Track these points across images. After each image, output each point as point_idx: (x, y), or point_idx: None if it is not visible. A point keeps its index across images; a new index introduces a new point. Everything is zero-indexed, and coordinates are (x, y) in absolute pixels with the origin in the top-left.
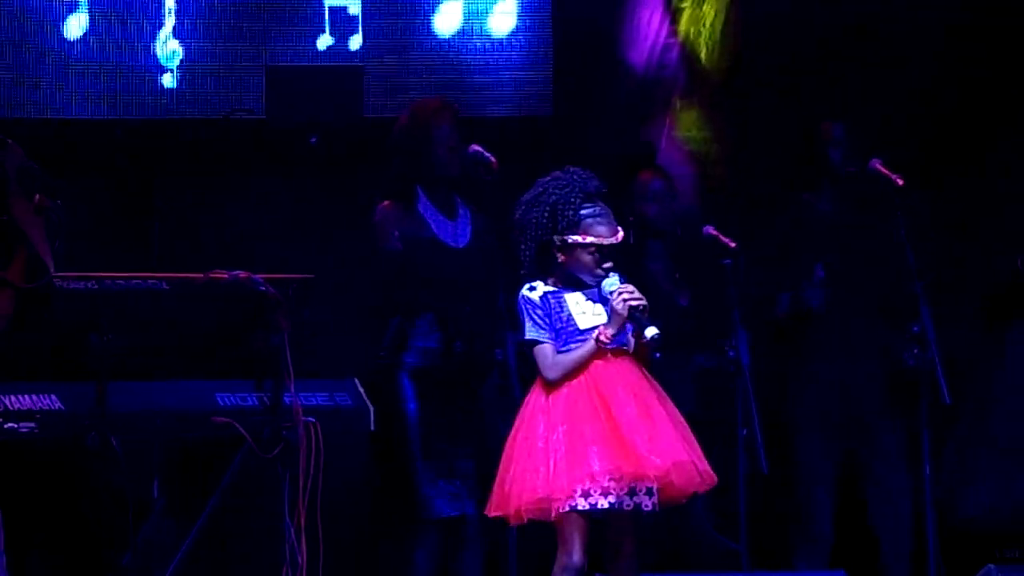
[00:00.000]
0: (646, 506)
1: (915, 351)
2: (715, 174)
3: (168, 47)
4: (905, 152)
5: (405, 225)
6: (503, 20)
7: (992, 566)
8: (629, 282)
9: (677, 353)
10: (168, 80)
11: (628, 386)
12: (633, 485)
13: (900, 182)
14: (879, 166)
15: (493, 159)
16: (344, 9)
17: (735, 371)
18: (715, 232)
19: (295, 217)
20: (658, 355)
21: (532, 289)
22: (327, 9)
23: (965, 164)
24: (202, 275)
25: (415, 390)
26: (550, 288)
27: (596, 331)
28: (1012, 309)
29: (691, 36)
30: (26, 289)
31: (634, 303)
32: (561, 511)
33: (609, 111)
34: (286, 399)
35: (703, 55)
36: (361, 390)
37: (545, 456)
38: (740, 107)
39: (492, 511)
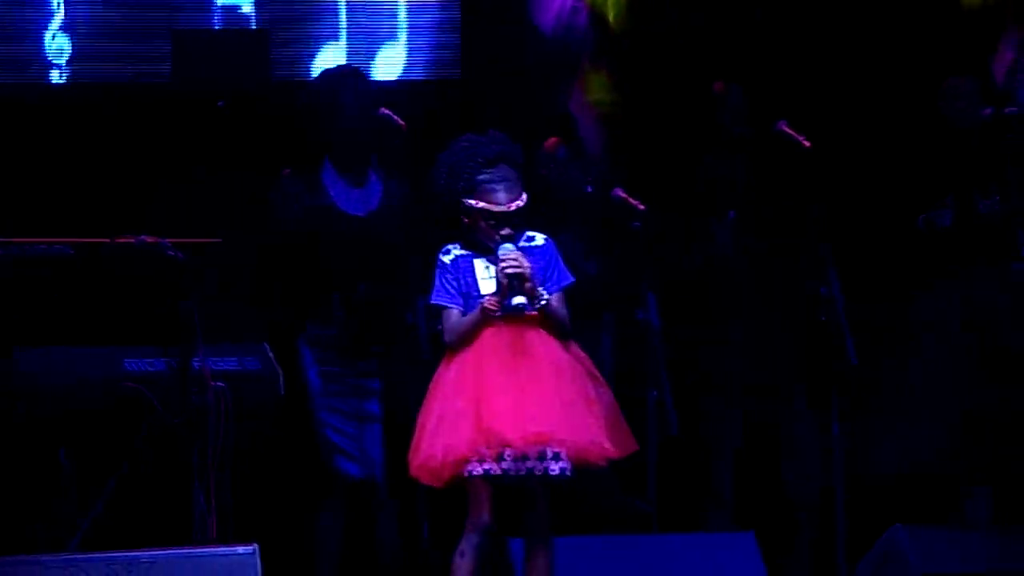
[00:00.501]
0: (552, 471)
1: (822, 313)
2: (624, 137)
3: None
4: (811, 115)
5: (304, 194)
6: None
7: (900, 525)
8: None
9: (588, 320)
10: (65, 45)
11: (508, 354)
12: (540, 450)
13: (806, 144)
14: (785, 127)
15: (402, 122)
16: None
17: (645, 334)
18: (624, 195)
19: (204, 182)
20: (531, 308)
21: (446, 253)
22: None
23: (869, 126)
24: (109, 239)
25: (314, 357)
26: (462, 252)
27: (484, 299)
28: (915, 269)
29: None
30: None
31: (511, 271)
32: (457, 476)
33: (518, 75)
34: (195, 364)
35: (611, 18)
36: (271, 355)
37: (435, 421)
38: (648, 70)
39: (410, 472)
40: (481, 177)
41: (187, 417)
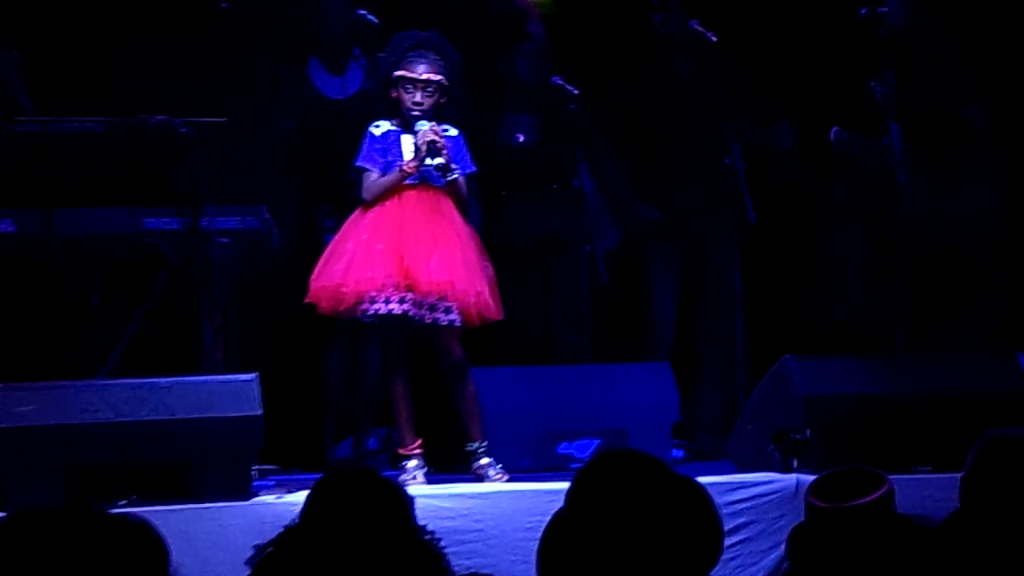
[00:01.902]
0: (442, 321)
1: (730, 179)
2: (563, 33)
3: None
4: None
5: (292, 83)
6: None
7: (788, 356)
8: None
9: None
10: None
11: (427, 213)
12: (421, 299)
13: (714, 39)
14: (696, 26)
15: (376, 20)
16: None
17: (579, 199)
18: (561, 82)
19: (212, 68)
20: (442, 181)
21: (376, 126)
22: None
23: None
24: (132, 118)
25: (333, 224)
26: (392, 128)
27: (402, 162)
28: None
29: None
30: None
31: (429, 137)
32: (351, 310)
33: None
34: (203, 223)
35: None
36: (267, 215)
37: (344, 257)
38: None
39: (307, 297)
40: (408, 53)
41: (197, 266)
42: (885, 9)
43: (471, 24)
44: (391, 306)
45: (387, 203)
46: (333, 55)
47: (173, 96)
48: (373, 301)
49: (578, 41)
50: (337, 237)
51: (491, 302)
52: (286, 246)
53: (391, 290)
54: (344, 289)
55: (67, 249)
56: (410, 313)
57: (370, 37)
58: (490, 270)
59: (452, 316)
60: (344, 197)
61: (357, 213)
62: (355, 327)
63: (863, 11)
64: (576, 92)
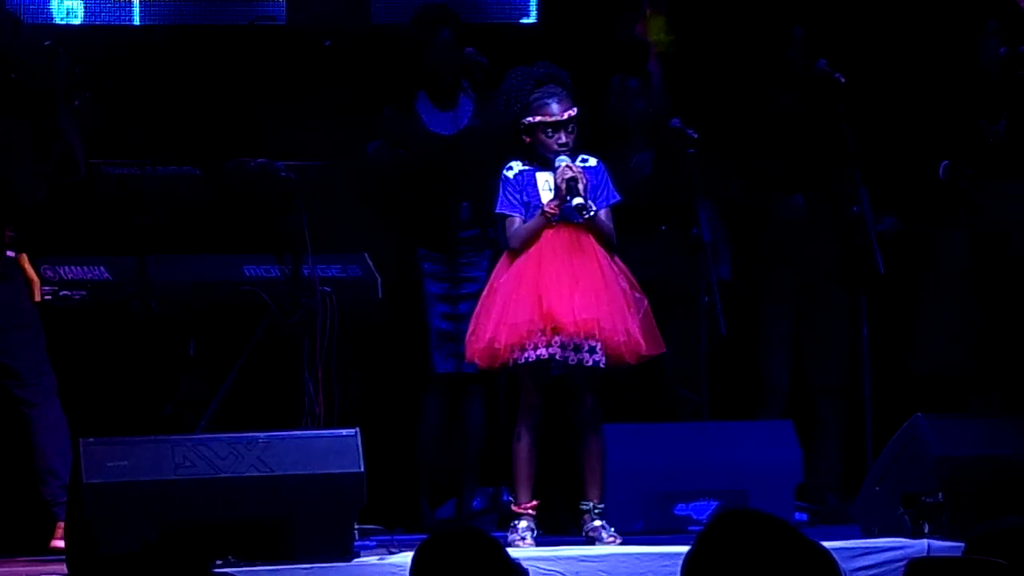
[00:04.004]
0: (587, 362)
1: (856, 228)
2: (681, 74)
3: None
4: (851, 53)
5: (402, 124)
6: None
7: (920, 415)
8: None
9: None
10: None
11: (565, 251)
12: (568, 340)
13: (842, 80)
14: (824, 66)
15: (485, 60)
16: None
17: (698, 247)
18: (680, 124)
19: (313, 111)
20: (580, 218)
21: (509, 168)
22: None
23: (907, 69)
24: (231, 162)
25: (427, 267)
26: (525, 167)
27: (544, 204)
28: (939, 202)
29: None
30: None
31: (568, 175)
32: (506, 362)
33: (588, 19)
34: (304, 271)
35: None
36: (370, 263)
37: (494, 311)
38: (703, 13)
39: (467, 356)
40: (533, 96)
41: (298, 317)
42: None
43: (589, 58)
44: (539, 351)
45: (530, 249)
46: (442, 91)
47: (274, 140)
48: (524, 349)
49: (696, 81)
50: (486, 291)
51: (642, 340)
52: (386, 292)
53: (537, 335)
54: (497, 345)
55: (162, 297)
56: (557, 356)
57: (478, 74)
58: (644, 303)
59: (597, 356)
60: (445, 238)
61: (503, 261)
62: (455, 379)
63: (1003, 50)
64: (695, 136)
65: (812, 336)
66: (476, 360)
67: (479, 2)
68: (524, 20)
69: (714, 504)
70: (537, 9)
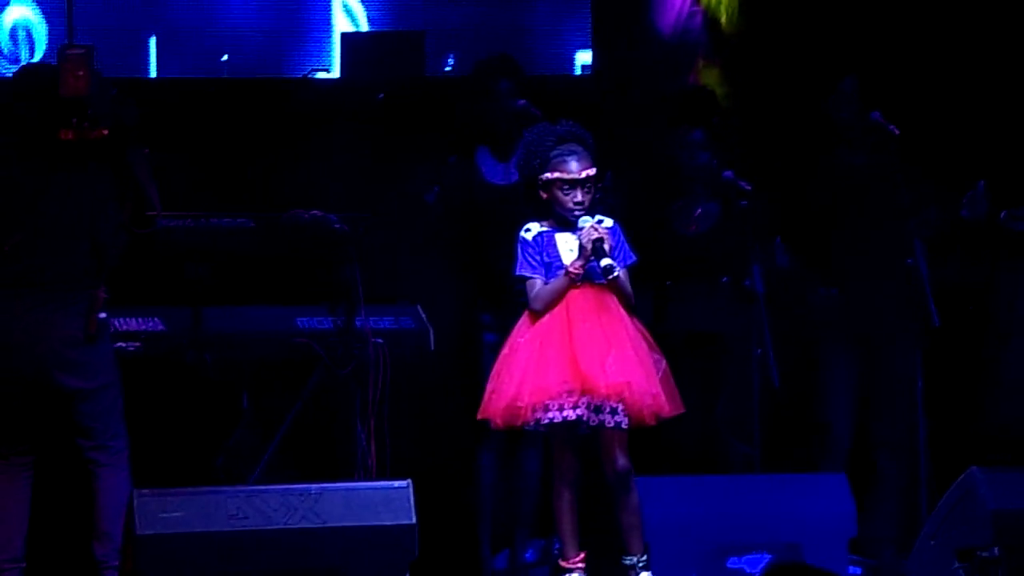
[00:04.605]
0: (609, 423)
1: (913, 279)
2: (734, 126)
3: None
4: (906, 104)
5: (464, 174)
6: None
7: (975, 468)
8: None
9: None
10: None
11: (594, 312)
12: (595, 402)
13: (896, 132)
14: (878, 117)
15: (539, 112)
16: None
17: (751, 300)
18: (733, 177)
19: (365, 163)
20: (604, 279)
21: (527, 230)
22: None
23: (960, 117)
24: (284, 214)
25: (490, 320)
26: (544, 228)
27: (568, 265)
28: (998, 251)
29: (712, 3)
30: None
31: (594, 236)
32: (527, 422)
33: (641, 72)
34: (357, 323)
35: (723, 20)
36: (423, 315)
37: (517, 370)
38: (756, 66)
39: (479, 415)
40: (553, 153)
41: (351, 368)
42: None
43: (622, 114)
44: (566, 412)
45: (554, 309)
46: (499, 142)
47: (326, 191)
48: (547, 409)
49: (750, 132)
50: (505, 350)
51: (666, 403)
52: (441, 343)
53: (566, 396)
54: (519, 403)
55: (216, 348)
56: (584, 418)
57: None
58: (663, 364)
59: (619, 418)
60: (501, 288)
61: (523, 321)
62: (512, 430)
63: None
64: (748, 188)
65: (876, 388)
66: (495, 419)
67: (534, 54)
68: (577, 72)
69: (767, 557)
70: (593, 60)
